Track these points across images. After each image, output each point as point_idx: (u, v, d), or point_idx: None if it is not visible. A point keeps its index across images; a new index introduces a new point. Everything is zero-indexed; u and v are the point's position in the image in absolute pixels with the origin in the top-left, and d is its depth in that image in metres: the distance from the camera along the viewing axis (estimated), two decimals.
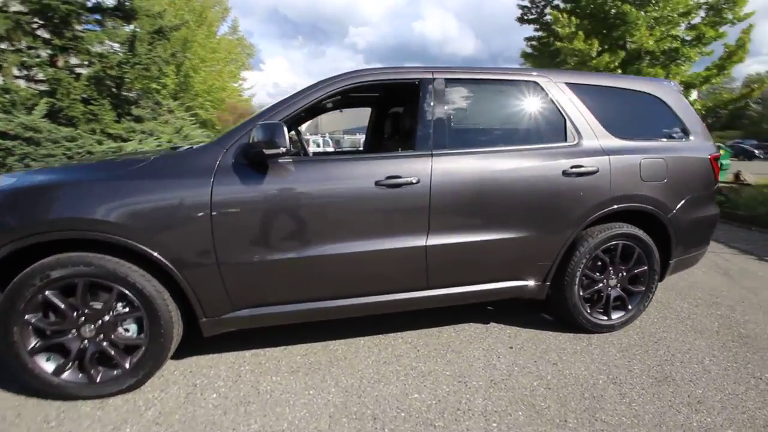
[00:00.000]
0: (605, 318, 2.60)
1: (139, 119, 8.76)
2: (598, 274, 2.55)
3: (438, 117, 2.22)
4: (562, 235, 2.37)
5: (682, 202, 2.60)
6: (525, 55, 14.91)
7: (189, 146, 2.55)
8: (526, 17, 13.63)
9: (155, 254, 1.82)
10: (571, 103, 2.45)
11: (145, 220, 1.81)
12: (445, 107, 2.25)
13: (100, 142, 7.42)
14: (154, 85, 13.92)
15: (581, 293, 2.51)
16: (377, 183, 2.05)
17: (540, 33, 13.69)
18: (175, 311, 1.95)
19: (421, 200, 2.11)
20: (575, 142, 2.41)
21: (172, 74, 16.72)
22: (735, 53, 11.75)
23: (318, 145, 21.36)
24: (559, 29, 11.17)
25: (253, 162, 1.94)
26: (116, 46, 8.79)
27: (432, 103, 2.22)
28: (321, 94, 2.12)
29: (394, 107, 3.41)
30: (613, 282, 2.59)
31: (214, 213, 1.86)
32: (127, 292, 1.84)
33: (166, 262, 1.83)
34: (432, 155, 2.16)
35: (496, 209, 2.25)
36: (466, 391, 2.01)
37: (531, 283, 2.44)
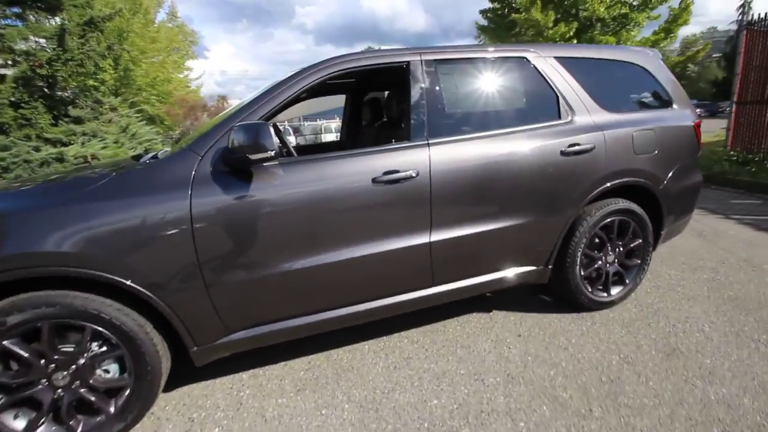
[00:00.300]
0: (605, 294, 2.59)
1: (78, 120, 8.03)
2: (596, 252, 2.52)
3: (431, 102, 2.06)
4: (563, 217, 2.31)
5: (672, 171, 2.60)
6: (482, 29, 14.86)
7: (152, 154, 2.25)
8: None
9: (128, 283, 1.57)
10: (561, 78, 2.36)
11: (112, 247, 1.55)
12: (437, 91, 2.09)
13: (37, 149, 6.74)
14: (91, 82, 12.85)
15: (582, 273, 2.47)
16: (374, 180, 1.88)
17: (495, 5, 13.64)
18: (161, 343, 1.73)
19: (422, 194, 1.97)
20: (569, 119, 2.33)
21: (110, 69, 15.45)
22: (680, 16, 12.21)
23: None
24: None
25: (236, 169, 1.71)
26: (43, 42, 7.95)
27: (423, 87, 2.05)
28: (303, 84, 1.90)
29: (372, 93, 3.21)
30: (611, 258, 2.57)
31: (196, 231, 1.64)
32: (102, 330, 1.59)
33: (144, 291, 1.60)
34: (428, 144, 2.01)
35: (498, 196, 2.14)
36: (485, 390, 1.92)
37: (534, 268, 2.38)
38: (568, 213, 2.31)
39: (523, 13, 11.25)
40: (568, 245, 2.39)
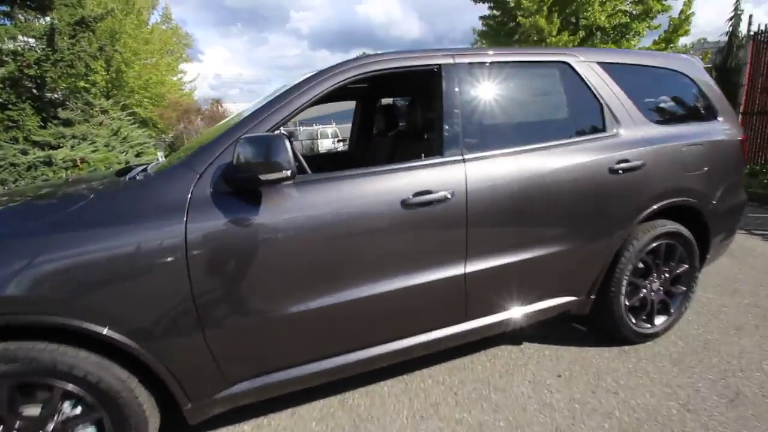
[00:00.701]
0: (649, 325, 2.33)
1: (68, 123, 7.70)
2: (642, 279, 2.26)
3: (465, 111, 1.79)
4: (610, 242, 2.05)
5: (720, 190, 2.35)
6: (481, 35, 14.70)
7: (142, 167, 1.95)
8: None
9: (104, 331, 1.27)
10: (606, 87, 2.10)
11: (82, 288, 1.25)
12: (472, 98, 1.82)
13: (24, 152, 6.40)
14: (82, 84, 12.49)
15: (626, 303, 2.21)
16: (404, 203, 1.59)
17: (495, 12, 13.49)
18: (148, 401, 1.42)
19: (457, 219, 1.69)
20: (614, 132, 2.07)
21: (102, 70, 15.12)
22: (680, 26, 12.13)
23: None
24: (525, 2, 10.92)
25: (241, 189, 1.42)
26: (32, 41, 7.64)
27: (457, 94, 1.78)
28: (321, 89, 1.62)
29: (384, 99, 2.94)
30: (656, 286, 2.31)
31: (192, 265, 1.34)
32: (75, 389, 1.29)
33: (125, 341, 1.30)
34: (464, 160, 1.74)
35: (540, 220, 1.87)
36: None
37: (575, 298, 2.11)
38: (616, 237, 2.05)
39: (529, 18, 11.08)
40: (613, 272, 2.12)
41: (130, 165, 2.32)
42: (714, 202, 2.33)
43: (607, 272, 2.12)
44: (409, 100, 2.38)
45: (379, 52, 1.85)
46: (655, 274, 2.28)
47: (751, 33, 8.09)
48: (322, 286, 1.53)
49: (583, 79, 2.07)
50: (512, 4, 12.40)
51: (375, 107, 3.07)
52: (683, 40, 12.93)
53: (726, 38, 11.82)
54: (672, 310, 2.38)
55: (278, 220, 1.44)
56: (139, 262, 1.29)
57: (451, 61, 1.81)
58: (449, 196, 1.65)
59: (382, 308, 1.66)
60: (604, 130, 2.07)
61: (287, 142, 1.34)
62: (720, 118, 2.48)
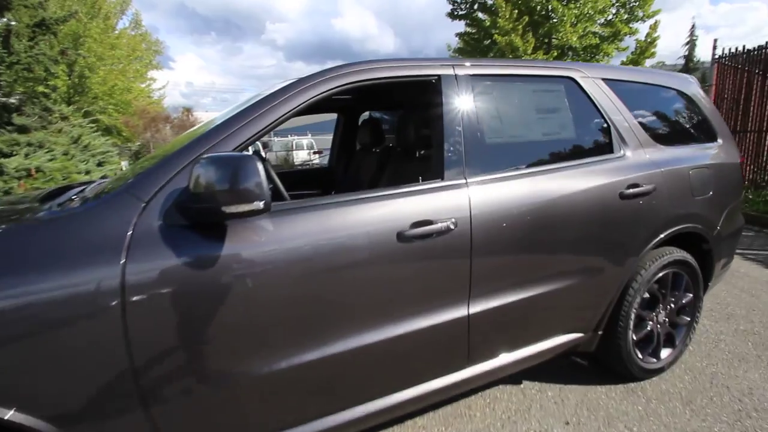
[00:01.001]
0: (655, 360, 2.16)
1: (23, 129, 7.17)
2: (648, 311, 2.09)
3: (468, 129, 1.57)
4: (621, 272, 1.88)
5: (724, 215, 2.24)
6: (457, 51, 14.86)
7: (78, 188, 1.63)
8: (456, 13, 13.50)
9: (7, 416, 0.95)
10: (612, 104, 1.95)
11: None
12: (475, 114, 1.61)
13: None
14: (40, 88, 11.78)
15: (634, 337, 2.03)
16: (401, 236, 1.35)
17: (471, 29, 13.67)
18: None
19: (460, 252, 1.46)
20: (622, 154, 1.92)
21: (64, 75, 14.32)
22: (647, 49, 12.60)
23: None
24: (501, 21, 11.06)
25: (200, 223, 1.14)
26: None
27: (459, 110, 1.57)
28: (302, 99, 1.37)
29: (368, 112, 2.71)
30: (661, 317, 2.15)
31: (129, 321, 1.04)
32: None
33: (40, 426, 0.98)
34: (467, 184, 1.52)
35: (550, 251, 1.68)
36: None
37: (584, 334, 1.92)
38: (626, 267, 1.88)
39: (505, 37, 11.23)
40: (621, 305, 1.95)
41: (67, 185, 1.98)
42: (718, 227, 2.21)
43: (615, 305, 1.94)
44: (401, 114, 2.15)
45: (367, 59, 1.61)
46: (661, 305, 2.13)
47: (716, 57, 8.42)
48: (301, 339, 1.26)
49: (589, 96, 1.91)
50: (488, 23, 12.59)
51: (359, 120, 2.84)
52: (649, 62, 13.43)
53: (683, 61, 12.35)
54: (677, 343, 2.23)
55: (247, 261, 1.17)
56: (58, 318, 0.99)
57: (451, 72, 1.60)
58: (452, 226, 1.42)
59: (374, 360, 1.40)
60: (611, 150, 1.91)
61: (259, 165, 1.07)
62: (720, 140, 2.39)
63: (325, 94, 1.42)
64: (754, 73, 7.17)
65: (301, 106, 1.38)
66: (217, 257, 1.12)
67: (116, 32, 17.15)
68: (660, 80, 2.29)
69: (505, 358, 1.71)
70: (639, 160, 1.93)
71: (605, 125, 1.92)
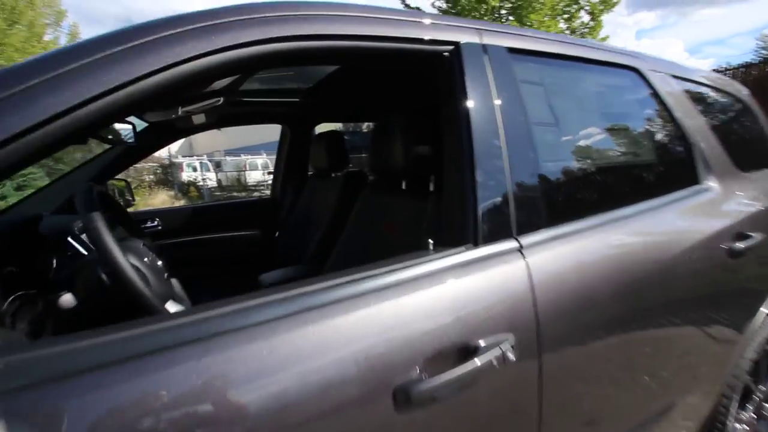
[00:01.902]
0: None
1: None
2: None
3: (513, 143, 0.85)
4: (726, 359, 1.21)
5: None
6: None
7: None
8: None
9: None
10: (688, 111, 1.32)
11: None
12: (524, 117, 0.89)
13: None
14: None
15: None
16: (399, 399, 0.58)
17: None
18: None
19: (522, 392, 0.71)
20: (708, 186, 1.28)
21: None
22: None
23: (195, 169, 17.86)
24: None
25: None
26: None
27: (497, 107, 0.85)
28: (174, 58, 0.58)
29: (325, 123, 1.95)
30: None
31: None
32: None
33: None
34: (521, 249, 0.79)
35: (648, 358, 0.96)
36: None
37: None
38: (734, 348, 1.21)
39: None
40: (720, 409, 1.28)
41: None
42: None
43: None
44: (381, 121, 1.34)
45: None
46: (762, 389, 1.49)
47: None
48: None
49: (660, 98, 1.26)
50: None
51: (312, 134, 2.07)
52: None
53: None
54: None
55: None
56: None
57: (477, 39, 0.88)
58: (507, 350, 0.67)
59: None
60: (696, 180, 1.26)
61: None
62: None
63: (226, 52, 0.63)
64: None
65: (180, 75, 0.59)
66: None
67: (42, 42, 15.45)
68: (722, 85, 1.72)
69: None
70: (730, 195, 1.30)
71: (683, 142, 1.27)
